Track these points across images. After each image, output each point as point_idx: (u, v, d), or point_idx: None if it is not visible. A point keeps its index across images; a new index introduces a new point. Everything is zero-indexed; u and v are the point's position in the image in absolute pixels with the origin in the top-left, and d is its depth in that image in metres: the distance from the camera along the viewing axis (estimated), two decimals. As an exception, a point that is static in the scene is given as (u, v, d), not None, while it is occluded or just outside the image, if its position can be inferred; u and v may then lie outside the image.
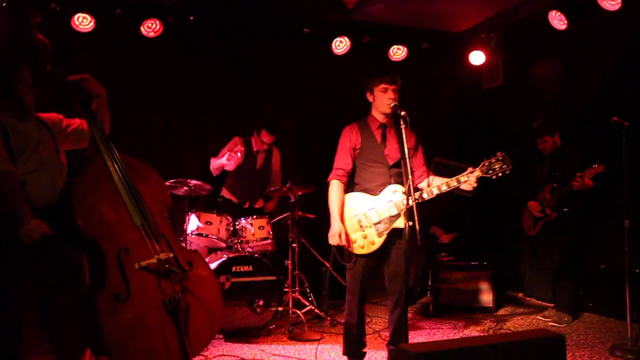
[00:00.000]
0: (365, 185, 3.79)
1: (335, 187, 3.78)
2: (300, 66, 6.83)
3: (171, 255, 3.22)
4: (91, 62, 5.55)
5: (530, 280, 6.28)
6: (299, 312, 5.07)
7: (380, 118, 3.83)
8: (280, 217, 5.60)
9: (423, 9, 6.25)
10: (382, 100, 3.73)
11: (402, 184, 3.63)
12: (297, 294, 5.32)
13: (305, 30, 6.43)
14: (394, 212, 3.65)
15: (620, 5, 5.02)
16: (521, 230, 5.62)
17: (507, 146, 5.36)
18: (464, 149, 7.21)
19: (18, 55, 3.28)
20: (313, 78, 6.91)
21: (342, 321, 4.01)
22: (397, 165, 3.73)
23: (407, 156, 3.40)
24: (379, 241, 3.67)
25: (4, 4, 5.07)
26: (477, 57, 6.75)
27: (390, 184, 3.72)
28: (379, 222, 3.68)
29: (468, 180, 3.56)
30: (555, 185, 5.19)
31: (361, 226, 3.70)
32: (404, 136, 3.42)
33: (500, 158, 3.55)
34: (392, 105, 3.66)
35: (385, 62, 6.77)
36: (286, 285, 5.22)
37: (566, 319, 5.13)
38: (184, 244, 4.85)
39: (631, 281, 4.40)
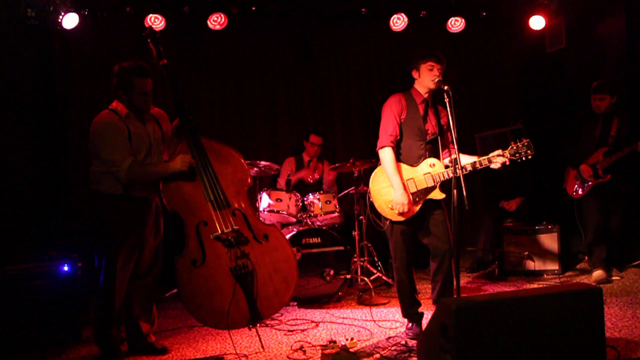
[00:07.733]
0: (405, 155, 4.00)
1: (390, 156, 3.92)
2: (362, 45, 7.08)
3: (236, 227, 3.62)
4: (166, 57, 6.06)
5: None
6: (366, 279, 5.36)
7: (423, 92, 4.01)
8: (346, 191, 5.92)
9: (477, -22, 6.31)
10: (427, 77, 3.92)
11: (437, 157, 3.95)
12: (365, 263, 5.61)
13: (363, 10, 6.65)
14: (431, 183, 3.90)
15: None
16: (564, 194, 5.66)
17: (573, 109, 5.42)
18: (532, 114, 7.22)
19: (141, 65, 3.57)
20: (375, 55, 7.15)
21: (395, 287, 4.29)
22: (432, 141, 3.99)
23: (452, 128, 3.62)
24: (414, 209, 3.90)
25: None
26: (537, 22, 6.72)
27: (425, 157, 3.96)
28: (416, 192, 3.91)
29: (497, 161, 3.86)
30: (610, 148, 5.23)
31: None
32: (448, 109, 3.65)
33: (525, 144, 3.83)
34: (436, 80, 3.86)
35: (444, 34, 6.88)
36: (355, 255, 5.53)
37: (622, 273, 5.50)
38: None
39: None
